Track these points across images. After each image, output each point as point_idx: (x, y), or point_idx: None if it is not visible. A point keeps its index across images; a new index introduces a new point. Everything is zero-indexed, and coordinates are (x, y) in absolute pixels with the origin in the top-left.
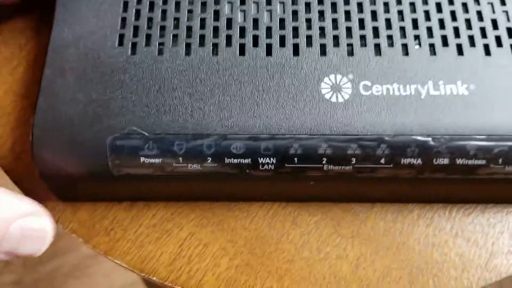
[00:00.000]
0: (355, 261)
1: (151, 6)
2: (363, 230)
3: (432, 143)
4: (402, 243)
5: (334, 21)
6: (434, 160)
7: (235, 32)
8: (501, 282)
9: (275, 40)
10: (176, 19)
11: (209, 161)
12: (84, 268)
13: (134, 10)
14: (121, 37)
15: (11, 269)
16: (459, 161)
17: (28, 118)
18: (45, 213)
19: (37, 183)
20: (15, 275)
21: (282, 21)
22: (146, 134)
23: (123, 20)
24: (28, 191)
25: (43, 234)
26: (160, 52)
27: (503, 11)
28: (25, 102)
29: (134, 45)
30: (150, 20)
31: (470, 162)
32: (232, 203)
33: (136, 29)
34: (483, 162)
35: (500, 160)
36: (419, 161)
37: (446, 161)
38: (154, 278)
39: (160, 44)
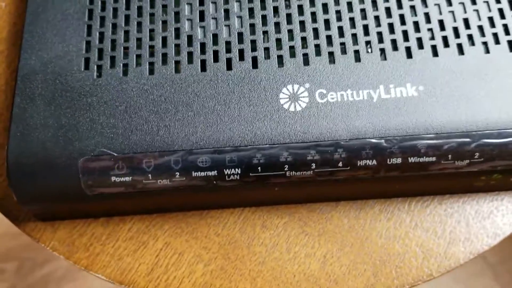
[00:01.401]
0: (322, 258)
1: (114, 28)
2: (328, 228)
3: (385, 144)
4: (366, 238)
5: (290, 32)
6: (388, 160)
7: (196, 49)
8: (485, 255)
9: (234, 55)
10: (139, 39)
11: (177, 175)
12: (77, 271)
13: (97, 33)
14: (87, 60)
15: (3, 277)
16: (411, 160)
17: (3, 143)
18: None
19: (17, 205)
20: (7, 284)
21: (240, 35)
22: (115, 154)
23: (88, 43)
24: (8, 212)
25: None
26: (125, 73)
27: (449, 12)
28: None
29: (99, 68)
30: (113, 42)
31: (422, 159)
32: (204, 211)
33: (100, 51)
34: (434, 159)
35: (450, 156)
36: (374, 162)
37: (399, 160)
38: None
39: (124, 65)
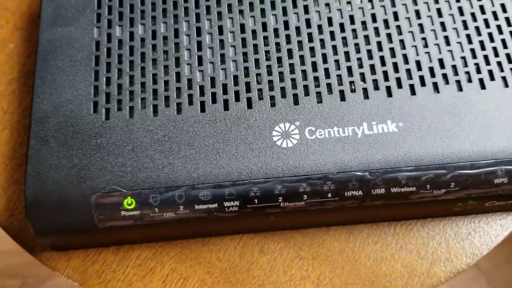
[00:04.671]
0: (316, 280)
1: (120, 73)
2: (321, 251)
3: (369, 176)
4: (355, 260)
5: (281, 73)
6: (372, 190)
7: (196, 91)
8: (478, 263)
9: (230, 96)
10: (143, 84)
11: (181, 209)
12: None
13: (104, 78)
14: (95, 104)
15: None
16: (393, 190)
17: (18, 178)
18: None
19: (33, 237)
20: None
21: (235, 77)
22: (124, 191)
23: (96, 88)
24: (24, 244)
25: None
26: (131, 115)
27: (426, 52)
28: (13, 163)
29: (107, 111)
30: (119, 86)
31: (403, 189)
32: (206, 238)
33: (108, 95)
34: (414, 189)
35: (428, 186)
36: (360, 192)
37: (382, 190)
38: None
39: (130, 107)
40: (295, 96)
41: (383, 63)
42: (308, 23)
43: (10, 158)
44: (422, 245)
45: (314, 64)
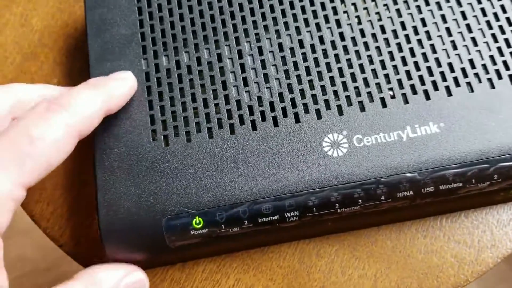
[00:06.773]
0: (373, 277)
1: (172, 101)
2: (375, 250)
3: (418, 177)
4: (408, 255)
5: (323, 87)
6: (422, 189)
7: (245, 112)
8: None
9: (278, 113)
10: (195, 108)
11: (245, 223)
12: None
13: (158, 107)
14: (154, 132)
15: None
16: (442, 187)
17: (78, 208)
18: (136, 268)
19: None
20: None
21: (280, 94)
22: (192, 211)
23: (152, 117)
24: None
25: (141, 284)
26: (188, 139)
27: (456, 55)
28: (72, 193)
29: (166, 138)
30: (173, 113)
31: (450, 186)
32: (265, 247)
33: (164, 123)
34: (460, 184)
35: (473, 181)
36: (411, 192)
37: (431, 189)
38: None
39: (186, 133)
40: (339, 107)
41: (417, 68)
42: (342, 37)
43: (69, 189)
44: (468, 234)
45: (352, 75)
